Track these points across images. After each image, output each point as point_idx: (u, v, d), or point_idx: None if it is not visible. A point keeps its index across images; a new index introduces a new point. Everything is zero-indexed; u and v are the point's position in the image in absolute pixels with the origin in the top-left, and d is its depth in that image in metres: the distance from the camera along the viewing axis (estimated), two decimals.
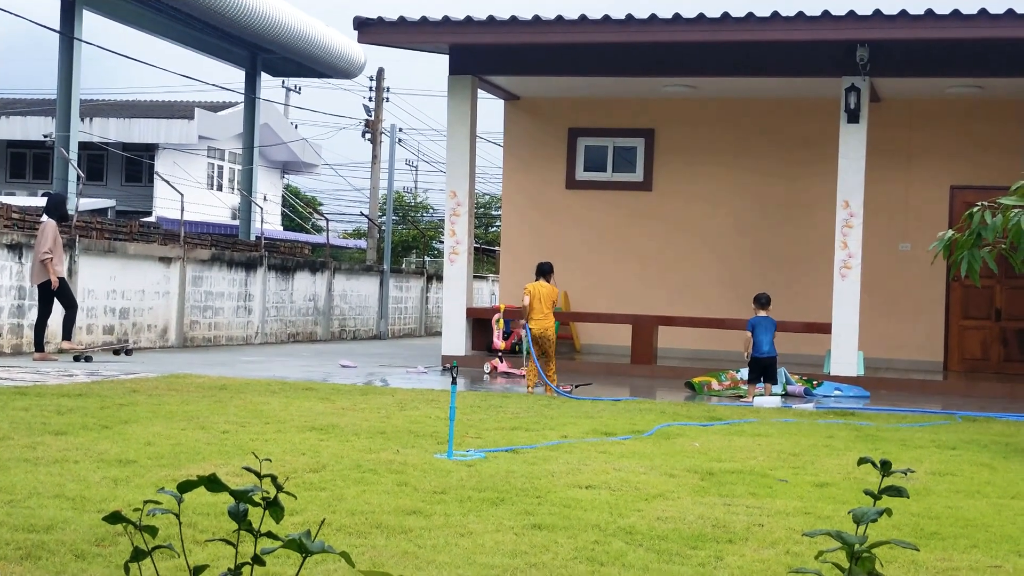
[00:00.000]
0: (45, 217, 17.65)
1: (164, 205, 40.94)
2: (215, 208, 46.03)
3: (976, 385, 17.41)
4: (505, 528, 6.36)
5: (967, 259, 10.38)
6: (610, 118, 20.89)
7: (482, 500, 7.13)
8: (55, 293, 17.35)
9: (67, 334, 17.61)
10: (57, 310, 17.78)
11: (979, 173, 19.29)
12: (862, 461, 2.90)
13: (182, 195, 24.61)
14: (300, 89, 52.38)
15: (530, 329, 14.78)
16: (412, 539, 6.04)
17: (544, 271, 15.05)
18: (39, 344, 17.22)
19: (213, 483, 2.76)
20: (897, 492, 2.73)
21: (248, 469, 2.96)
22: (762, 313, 15.18)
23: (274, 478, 2.86)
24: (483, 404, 12.81)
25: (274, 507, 2.80)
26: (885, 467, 2.73)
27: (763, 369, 15.09)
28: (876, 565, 2.71)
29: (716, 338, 19.30)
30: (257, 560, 2.79)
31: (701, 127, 20.59)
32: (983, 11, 15.92)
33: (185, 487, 2.84)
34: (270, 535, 2.83)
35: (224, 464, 7.96)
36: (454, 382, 9.42)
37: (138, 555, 2.81)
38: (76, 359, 17.20)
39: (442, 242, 23.07)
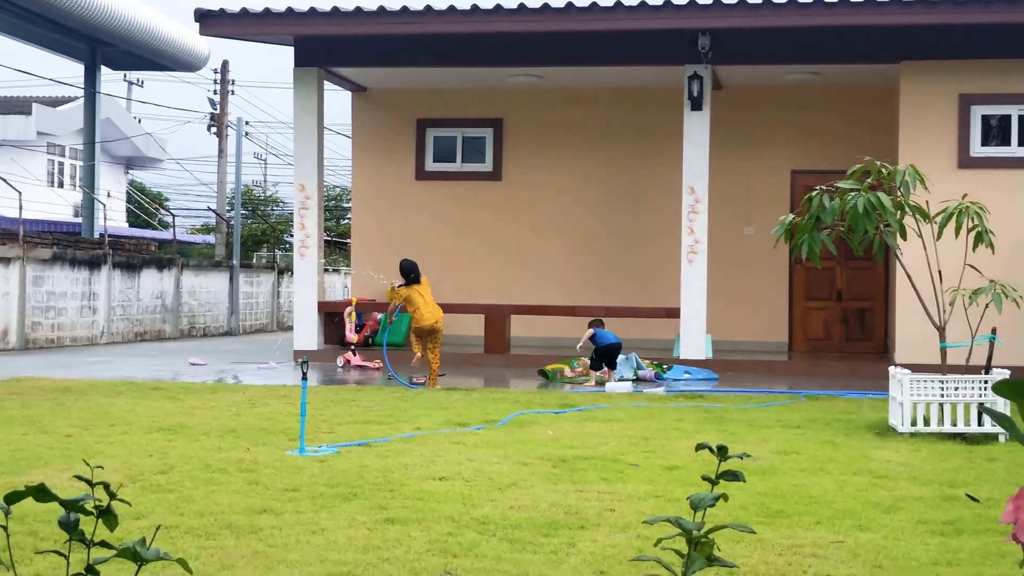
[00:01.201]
0: None
1: (2, 204, 39.69)
2: (56, 206, 44.77)
3: (819, 364, 17.87)
4: (358, 523, 6.32)
5: (808, 242, 10.64)
6: (458, 108, 20.88)
7: (334, 496, 7.07)
8: None
9: None
10: None
11: (818, 158, 19.77)
12: (700, 447, 2.94)
13: (20, 193, 23.89)
14: (142, 82, 51.19)
15: (420, 323, 14.71)
16: (263, 539, 5.96)
17: (410, 270, 14.95)
18: None
19: (42, 493, 2.66)
20: (734, 476, 2.76)
21: (79, 478, 2.86)
22: (599, 328, 15.71)
23: (107, 485, 2.77)
24: (336, 398, 12.73)
25: (107, 515, 2.72)
26: (722, 452, 2.77)
27: (607, 356, 15.40)
28: (716, 548, 2.75)
29: (569, 325, 19.43)
30: (90, 570, 2.71)
31: (549, 116, 20.70)
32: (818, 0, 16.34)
33: (12, 498, 2.74)
34: (104, 544, 2.74)
35: (67, 469, 7.75)
36: (305, 377, 9.32)
37: None
38: None
39: (292, 236, 22.84)
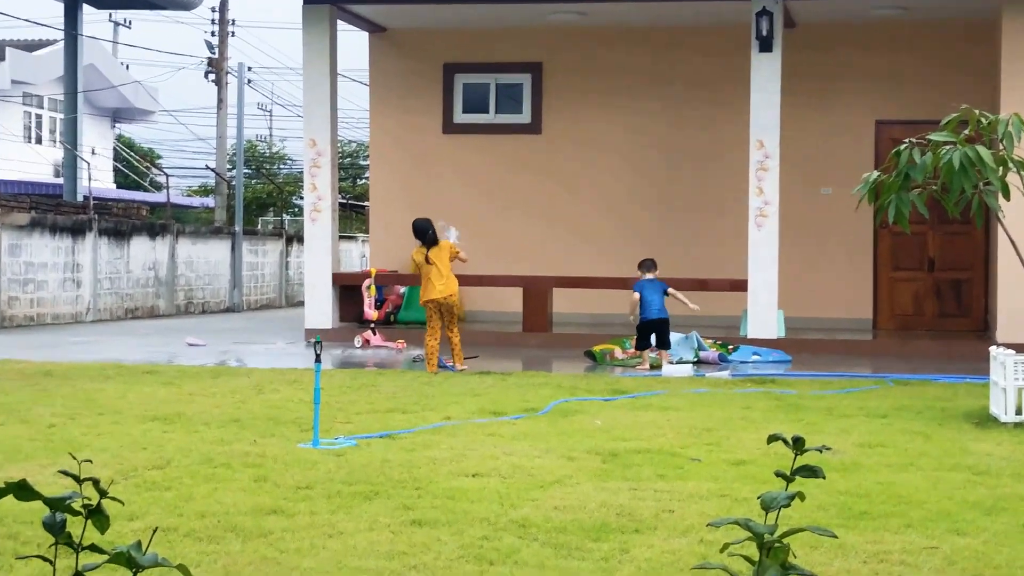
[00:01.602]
0: None
1: None
2: (34, 165, 45.05)
3: (908, 344, 17.79)
4: (380, 526, 6.35)
5: (895, 203, 10.56)
6: (491, 52, 20.85)
7: (353, 494, 7.11)
8: None
9: None
10: None
11: (907, 107, 19.62)
12: (772, 439, 2.93)
13: None
14: (130, 23, 51.40)
15: (428, 295, 14.75)
16: (272, 543, 6.00)
17: (424, 230, 14.96)
18: None
19: (23, 490, 2.69)
20: (811, 472, 2.75)
21: (65, 473, 2.89)
22: (648, 276, 15.50)
23: (96, 481, 2.79)
24: (353, 384, 12.78)
25: (97, 515, 2.74)
26: (798, 444, 2.76)
27: (653, 332, 15.37)
28: (792, 555, 2.74)
29: (619, 300, 19.39)
30: None
31: (595, 60, 20.64)
32: None
33: None
34: (94, 548, 2.77)
35: (51, 464, 7.82)
36: (319, 359, 9.37)
37: None
38: None
39: (302, 198, 22.91)
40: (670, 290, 15.51)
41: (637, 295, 15.47)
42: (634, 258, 18.90)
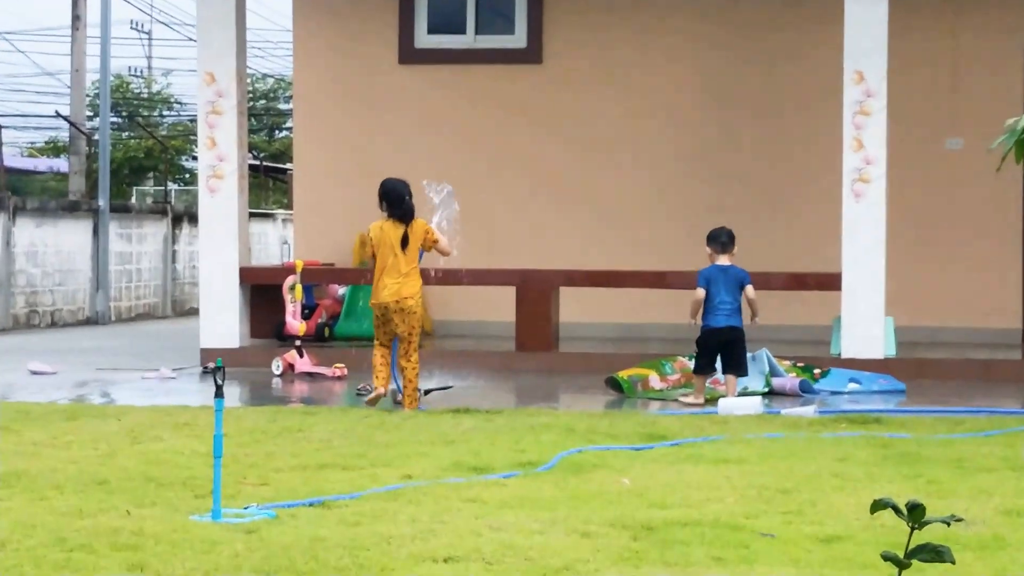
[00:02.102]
0: None
1: None
2: None
3: None
4: None
5: None
6: None
7: None
8: None
9: None
10: None
11: None
12: (878, 505, 2.93)
13: None
14: None
15: (375, 297, 14.72)
16: None
17: (400, 196, 14.82)
18: None
19: None
20: (936, 555, 2.76)
21: None
22: (723, 260, 15.31)
23: None
24: (272, 428, 12.76)
25: None
26: (915, 513, 2.76)
27: (720, 349, 15.25)
28: None
29: (654, 304, 19.42)
30: None
31: None
32: None
33: None
34: None
35: None
36: (220, 393, 9.34)
37: None
38: None
39: (196, 158, 22.88)
40: (749, 288, 15.35)
41: (702, 292, 15.29)
42: (674, 244, 19.11)
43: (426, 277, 19.33)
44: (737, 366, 15.38)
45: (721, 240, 15.46)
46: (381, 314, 14.69)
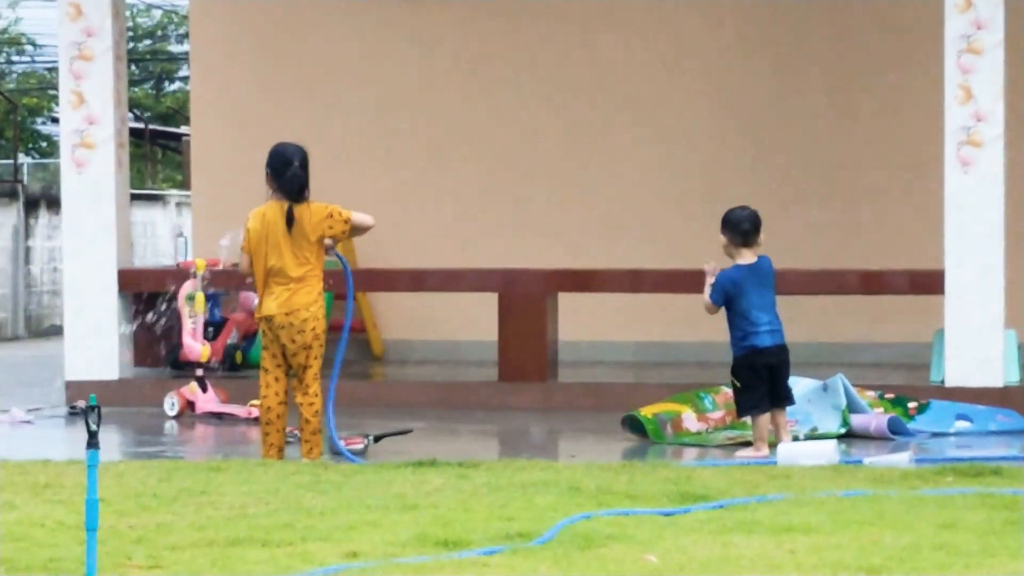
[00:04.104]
0: None
1: None
2: None
3: None
4: None
5: None
6: None
7: None
8: None
9: None
10: None
11: None
12: None
13: None
14: None
15: (258, 311, 14.82)
16: None
17: (282, 168, 14.89)
18: None
19: None
20: None
21: None
22: (747, 256, 15.27)
23: None
24: (166, 489, 12.80)
25: None
26: None
27: (768, 375, 15.24)
28: None
29: (685, 316, 19.42)
30: None
31: None
32: None
33: None
34: None
35: None
36: (94, 442, 9.34)
37: None
38: None
39: (56, 121, 22.93)
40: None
41: (719, 309, 15.32)
42: (710, 237, 18.78)
43: (383, 279, 19.52)
44: (788, 396, 15.44)
45: (743, 228, 15.37)
46: (268, 331, 14.75)
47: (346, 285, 15.50)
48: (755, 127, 20.47)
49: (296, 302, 14.62)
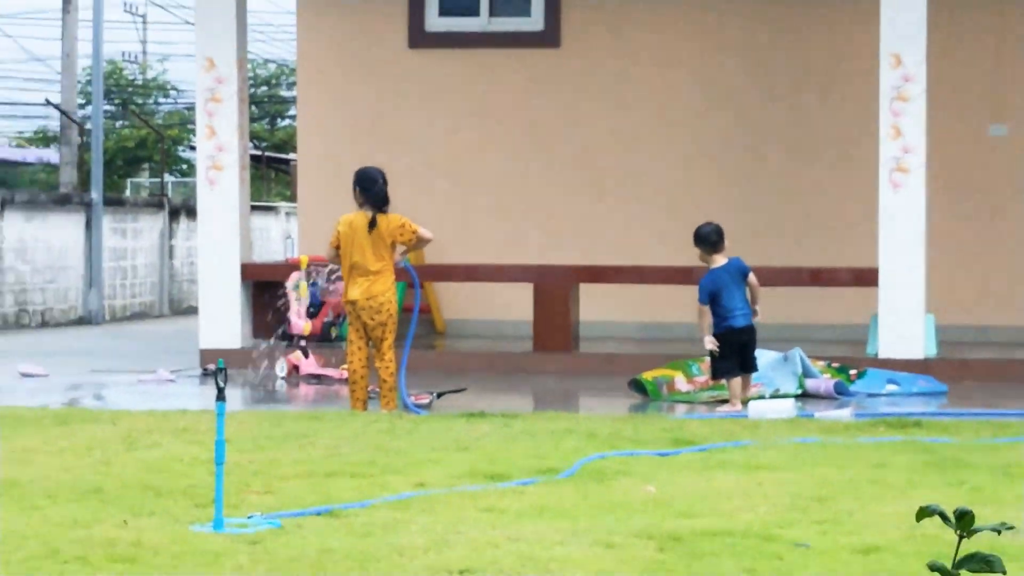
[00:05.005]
0: None
1: None
2: None
3: None
4: None
5: None
6: None
7: None
8: None
9: None
10: None
11: None
12: (925, 513, 2.93)
13: None
14: None
15: (350, 302, 14.81)
16: None
17: (369, 185, 14.90)
18: None
19: None
20: (987, 565, 2.75)
21: None
22: (718, 260, 15.29)
23: None
24: (277, 433, 12.78)
25: None
26: (963, 521, 2.76)
27: (740, 348, 15.23)
28: None
29: (680, 302, 19.40)
30: None
31: None
32: None
33: None
34: None
35: None
36: (222, 396, 9.35)
37: None
38: None
39: (194, 148, 22.90)
40: (752, 276, 15.39)
41: (707, 308, 15.27)
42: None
43: (441, 272, 19.48)
44: (753, 366, 15.49)
45: (712, 240, 15.42)
46: (352, 312, 14.79)
47: (413, 282, 16.04)
48: (730, 149, 20.38)
49: (374, 290, 14.62)
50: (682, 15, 20.59)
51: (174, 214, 34.02)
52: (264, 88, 58.62)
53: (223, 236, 18.83)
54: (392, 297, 14.87)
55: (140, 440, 12.34)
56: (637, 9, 20.66)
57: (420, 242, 15.08)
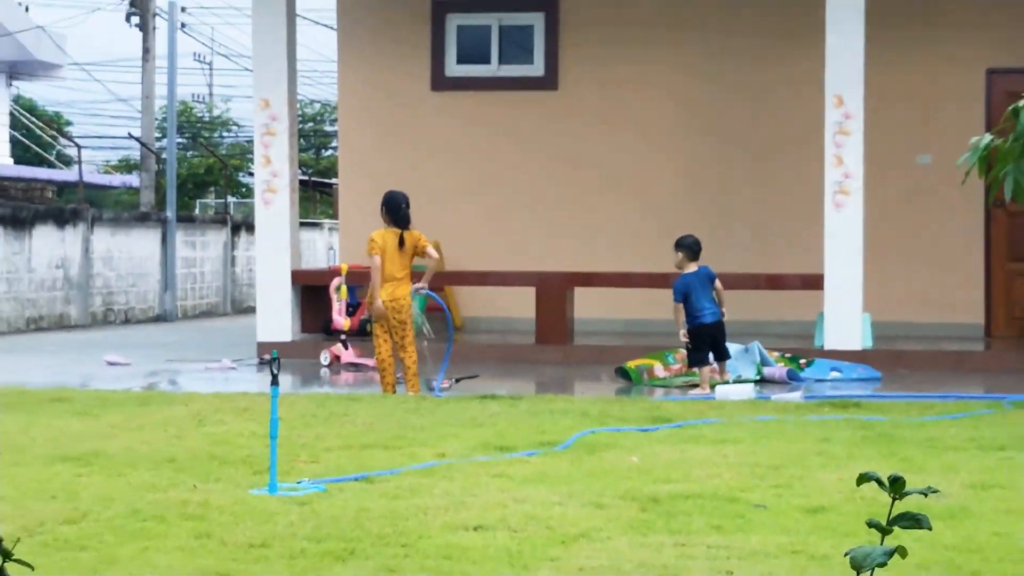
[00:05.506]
0: None
1: None
2: None
3: None
4: None
5: (1013, 175, 10.53)
6: None
7: (322, 554, 7.11)
8: None
9: None
10: None
11: None
12: (864, 478, 2.93)
13: None
14: None
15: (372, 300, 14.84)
16: None
17: (395, 207, 14.91)
18: None
19: None
20: (914, 522, 2.76)
21: None
22: (692, 266, 15.33)
23: None
24: (321, 412, 12.76)
25: None
26: (896, 486, 2.76)
27: (710, 341, 15.24)
28: None
29: (658, 302, 19.37)
30: None
31: None
32: None
33: None
34: None
35: None
36: (276, 381, 9.36)
37: None
38: None
39: (252, 174, 22.91)
40: (718, 282, 15.41)
41: (681, 306, 15.31)
42: (672, 250, 18.76)
43: (460, 279, 19.45)
44: (725, 354, 15.52)
45: (694, 249, 15.52)
46: (393, 308, 14.84)
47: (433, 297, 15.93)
48: (701, 177, 20.36)
49: (397, 293, 14.62)
50: (659, 60, 20.56)
51: (235, 229, 34.02)
52: (311, 124, 58.53)
53: (276, 247, 18.84)
54: (410, 299, 14.90)
55: (207, 418, 12.34)
56: (620, 58, 20.64)
57: (426, 256, 15.01)
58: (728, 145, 20.41)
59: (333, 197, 35.63)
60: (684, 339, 15.37)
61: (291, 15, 18.91)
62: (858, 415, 12.74)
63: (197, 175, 53.73)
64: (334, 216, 32.98)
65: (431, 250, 14.86)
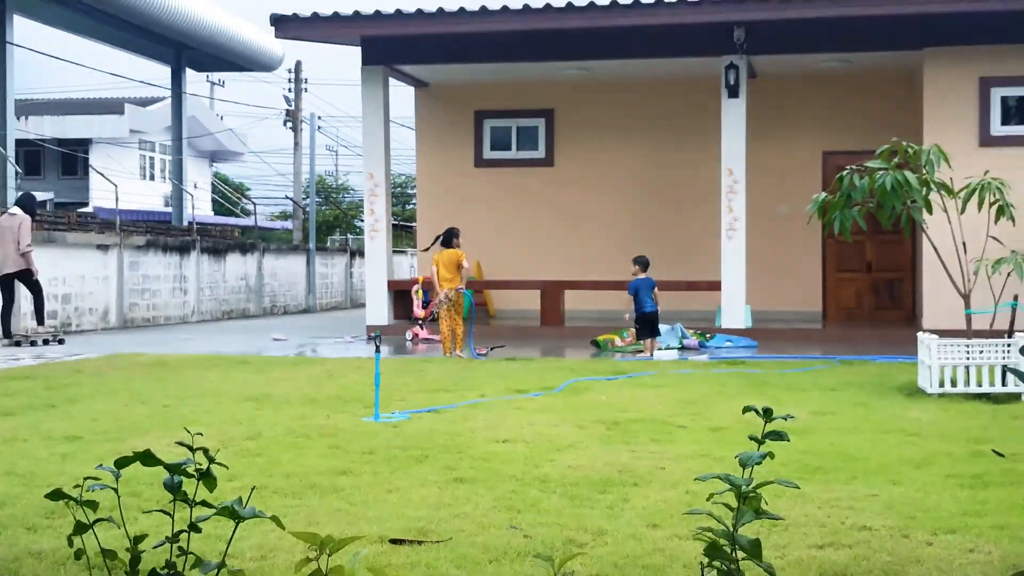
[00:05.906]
0: (19, 212, 17.26)
1: (100, 196, 40.15)
2: (148, 197, 45.21)
3: (852, 332, 17.71)
4: (429, 483, 6.36)
5: (839, 218, 10.54)
6: (513, 100, 20.85)
7: (407, 458, 7.12)
8: (25, 282, 17.33)
9: (40, 319, 17.52)
10: (19, 298, 17.84)
11: (848, 140, 19.54)
12: (747, 409, 2.93)
13: (116, 186, 24.20)
14: (224, 82, 51.52)
15: (436, 293, 15.00)
16: (344, 497, 6.01)
17: (448, 238, 15.23)
18: (7, 331, 17.13)
19: (148, 458, 2.71)
20: (779, 436, 2.76)
21: (181, 444, 2.91)
22: (642, 275, 15.32)
23: (206, 451, 2.81)
24: (406, 369, 12.78)
25: (207, 478, 2.76)
26: (767, 414, 2.76)
27: (650, 324, 15.24)
28: (763, 502, 2.75)
29: (617, 299, 19.37)
30: (193, 528, 2.75)
31: (597, 106, 20.62)
32: None
33: (122, 463, 2.79)
34: (205, 503, 2.78)
35: (165, 436, 7.85)
36: (378, 350, 9.39)
37: (80, 528, 2.75)
38: (46, 342, 17.08)
39: (363, 220, 22.93)
40: (656, 289, 15.40)
41: (631, 296, 15.33)
42: (631, 263, 18.81)
43: (492, 285, 19.40)
44: (657, 331, 15.38)
45: (645, 263, 15.47)
46: (444, 298, 14.90)
47: (469, 299, 15.80)
48: (646, 222, 20.34)
49: (450, 287, 14.72)
50: (617, 148, 20.55)
51: (352, 255, 34.05)
52: (399, 188, 58.43)
53: (378, 266, 18.84)
54: (460, 293, 14.95)
55: (336, 374, 12.35)
56: (594, 147, 20.63)
57: (460, 267, 15.07)
58: (661, 198, 20.39)
59: (413, 234, 35.65)
60: (630, 322, 15.36)
61: (387, 120, 18.90)
62: (743, 369, 12.73)
63: (328, 222, 53.69)
64: (414, 246, 33.02)
65: (465, 262, 15.00)
